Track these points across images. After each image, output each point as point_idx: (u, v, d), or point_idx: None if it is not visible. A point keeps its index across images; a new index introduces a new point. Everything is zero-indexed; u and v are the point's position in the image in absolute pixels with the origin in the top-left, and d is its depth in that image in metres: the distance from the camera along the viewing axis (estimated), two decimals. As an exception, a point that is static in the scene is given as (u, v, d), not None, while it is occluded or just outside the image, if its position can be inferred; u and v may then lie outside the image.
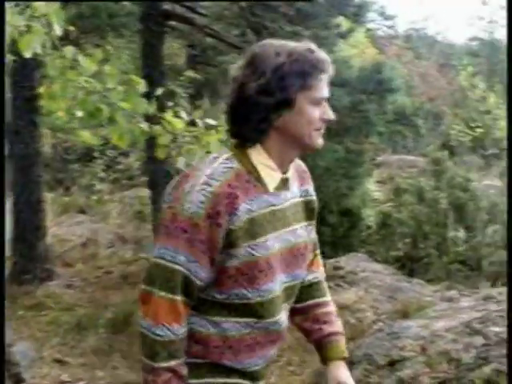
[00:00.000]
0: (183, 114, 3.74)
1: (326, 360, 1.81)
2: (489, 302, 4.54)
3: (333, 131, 5.61)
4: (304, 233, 1.72)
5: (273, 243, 1.59)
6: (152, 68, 7.05)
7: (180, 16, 7.46)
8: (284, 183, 1.63)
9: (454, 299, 5.36)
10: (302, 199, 1.74)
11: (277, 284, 1.61)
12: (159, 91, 3.67)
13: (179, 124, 3.65)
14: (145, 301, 1.54)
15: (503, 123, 14.37)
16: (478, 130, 14.10)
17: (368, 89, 6.47)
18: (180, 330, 1.53)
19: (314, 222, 1.80)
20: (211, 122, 3.71)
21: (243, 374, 1.65)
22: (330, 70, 1.59)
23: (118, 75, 3.54)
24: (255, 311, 1.62)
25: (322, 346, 1.81)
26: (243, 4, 7.04)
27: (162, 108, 3.67)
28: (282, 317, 1.67)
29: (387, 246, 8.40)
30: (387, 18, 27.68)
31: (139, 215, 9.76)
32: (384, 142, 11.91)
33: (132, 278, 7.14)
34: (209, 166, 1.55)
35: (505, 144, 13.72)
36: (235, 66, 1.60)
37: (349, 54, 9.02)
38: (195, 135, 3.71)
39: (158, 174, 6.93)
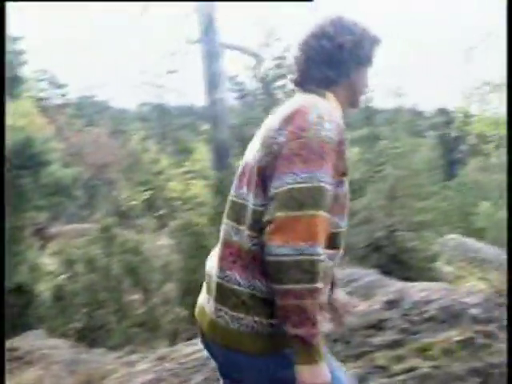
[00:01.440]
0: None
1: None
2: (163, 362, 4.67)
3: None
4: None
5: (346, 183, 1.77)
6: None
7: None
8: None
9: (133, 363, 5.41)
10: None
11: (344, 221, 1.78)
12: None
13: None
14: (292, 223, 1.53)
15: (174, 183, 15.28)
16: (149, 192, 14.74)
17: (21, 163, 6.32)
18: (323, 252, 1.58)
19: None
20: None
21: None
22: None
23: None
24: (337, 242, 1.76)
25: None
26: None
27: None
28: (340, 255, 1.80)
29: (65, 320, 8.17)
30: (59, 86, 27.66)
31: None
32: (51, 213, 11.70)
33: None
34: (319, 103, 1.70)
35: (176, 204, 14.58)
36: (311, 26, 1.85)
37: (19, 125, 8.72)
38: None
39: None
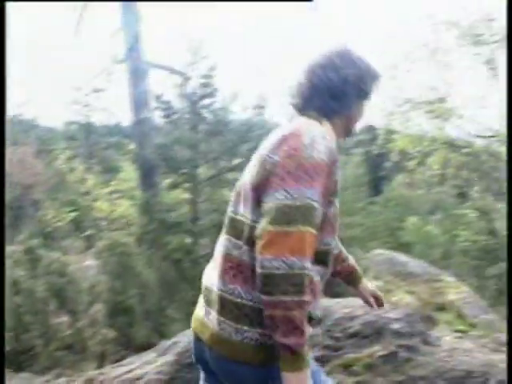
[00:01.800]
0: None
1: (356, 282, 2.36)
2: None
3: None
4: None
5: (335, 205, 1.87)
6: None
7: None
8: None
9: (60, 388, 5.32)
10: None
11: (330, 240, 1.87)
12: None
13: None
14: (282, 237, 1.61)
15: (101, 203, 15.05)
16: (76, 212, 14.48)
17: None
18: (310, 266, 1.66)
19: None
20: None
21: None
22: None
23: None
24: (327, 260, 1.86)
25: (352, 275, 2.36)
26: None
27: None
28: (328, 273, 1.92)
29: (-12, 345, 7.91)
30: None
31: None
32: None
33: None
34: (313, 127, 1.81)
35: (103, 224, 14.37)
36: (318, 56, 1.96)
37: None
38: None
39: None
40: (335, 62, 1.93)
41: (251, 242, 1.77)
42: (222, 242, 1.95)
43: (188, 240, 12.49)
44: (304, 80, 1.96)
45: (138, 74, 14.46)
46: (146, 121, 14.57)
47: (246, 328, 1.78)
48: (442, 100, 11.77)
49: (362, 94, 1.97)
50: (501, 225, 17.52)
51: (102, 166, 19.02)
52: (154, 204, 12.28)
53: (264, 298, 1.66)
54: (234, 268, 1.82)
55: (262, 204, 1.74)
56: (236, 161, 14.30)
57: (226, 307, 1.81)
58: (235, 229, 1.88)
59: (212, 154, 14.13)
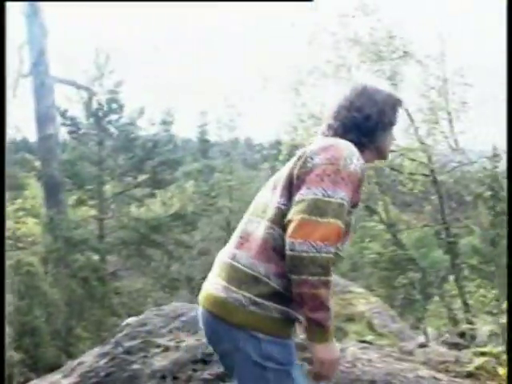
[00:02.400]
0: None
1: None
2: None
3: None
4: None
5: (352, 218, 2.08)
6: None
7: None
8: None
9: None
10: None
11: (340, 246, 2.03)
12: None
13: None
14: (314, 225, 1.83)
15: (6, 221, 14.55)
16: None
17: None
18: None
19: None
20: None
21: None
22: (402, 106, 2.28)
23: None
24: (336, 262, 2.01)
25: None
26: None
27: None
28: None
29: None
30: None
31: None
32: None
33: None
34: (351, 146, 2.04)
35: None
36: (342, 97, 2.20)
37: None
38: None
39: None
40: (355, 102, 2.17)
41: (274, 221, 1.98)
42: (247, 221, 2.14)
43: (95, 257, 12.39)
44: (332, 121, 2.19)
45: (43, 89, 14.20)
46: (52, 137, 14.31)
47: (234, 289, 1.97)
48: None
49: (385, 125, 2.19)
50: (407, 236, 18.33)
51: (6, 182, 18.38)
52: (59, 222, 12.09)
53: (293, 277, 1.85)
54: (260, 246, 1.99)
55: (294, 193, 1.95)
56: (142, 177, 14.31)
57: (248, 281, 1.98)
58: (267, 213, 2.05)
59: (118, 170, 14.09)
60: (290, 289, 1.90)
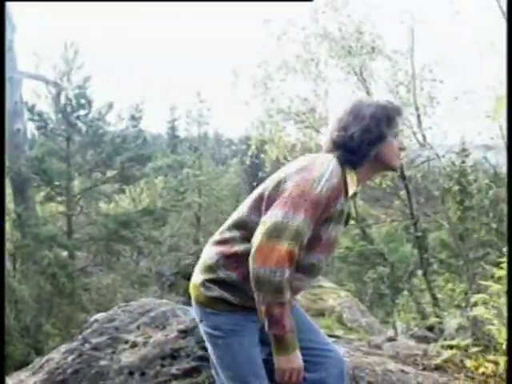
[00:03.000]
0: None
1: None
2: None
3: None
4: (342, 231, 2.39)
5: (330, 231, 2.22)
6: None
7: None
8: (354, 195, 2.33)
9: None
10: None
11: (317, 258, 2.26)
12: None
13: None
14: (270, 251, 2.03)
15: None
16: None
17: None
18: (292, 272, 2.08)
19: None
20: None
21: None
22: (402, 112, 2.34)
23: None
24: (315, 271, 2.31)
25: None
26: None
27: None
28: (309, 281, 2.35)
29: None
30: None
31: None
32: None
33: None
34: (327, 165, 2.17)
35: None
36: (339, 113, 2.29)
37: None
38: None
39: None
40: (341, 122, 2.28)
41: (242, 232, 2.25)
42: (228, 232, 2.34)
43: (63, 254, 12.25)
44: (328, 136, 2.33)
45: (10, 85, 13.97)
46: (19, 132, 14.12)
47: (198, 274, 2.32)
48: (312, 110, 12.25)
49: (376, 138, 2.25)
50: (376, 230, 18.47)
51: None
52: (27, 218, 11.93)
53: (255, 293, 2.10)
54: (224, 251, 2.28)
55: (263, 213, 2.18)
56: (111, 172, 14.18)
57: (200, 263, 2.35)
58: (240, 226, 2.28)
59: (87, 166, 13.94)
60: (238, 281, 2.21)
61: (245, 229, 2.23)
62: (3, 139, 3.61)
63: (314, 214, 2.10)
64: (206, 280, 2.26)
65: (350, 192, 2.26)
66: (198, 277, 2.31)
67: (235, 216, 2.30)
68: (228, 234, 2.28)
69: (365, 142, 2.23)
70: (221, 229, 2.36)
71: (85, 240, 13.30)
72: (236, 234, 2.26)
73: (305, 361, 2.21)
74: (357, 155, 2.25)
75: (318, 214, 2.12)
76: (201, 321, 2.31)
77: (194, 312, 2.38)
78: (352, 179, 2.27)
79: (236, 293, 2.23)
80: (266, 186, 2.24)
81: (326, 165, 2.19)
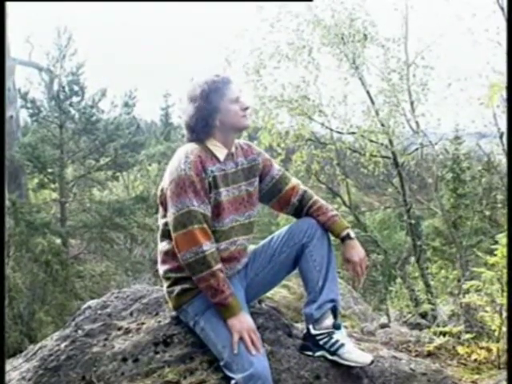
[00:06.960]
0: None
1: (337, 238, 2.93)
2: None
3: None
4: (247, 187, 2.71)
5: (225, 194, 2.59)
6: None
7: None
8: (230, 156, 2.65)
9: None
10: (248, 165, 2.73)
11: (230, 219, 2.62)
12: None
13: None
14: (183, 238, 2.46)
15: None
16: None
17: None
18: (212, 245, 2.49)
19: (256, 178, 2.76)
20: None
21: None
22: (231, 80, 2.59)
23: None
24: (234, 233, 2.64)
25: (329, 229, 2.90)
26: None
27: None
28: (239, 240, 2.69)
29: None
30: None
31: None
32: None
33: None
34: (180, 151, 2.55)
35: None
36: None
37: None
38: None
39: None
40: (186, 105, 2.59)
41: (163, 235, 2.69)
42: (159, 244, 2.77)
43: (57, 241, 12.24)
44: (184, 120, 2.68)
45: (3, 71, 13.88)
46: (12, 119, 14.06)
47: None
48: (305, 97, 12.19)
49: (212, 111, 2.55)
50: (369, 218, 18.47)
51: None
52: (20, 205, 11.91)
53: (192, 278, 2.49)
54: (165, 253, 2.69)
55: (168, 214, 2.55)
56: (105, 159, 14.15)
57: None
58: (164, 235, 2.69)
59: (80, 153, 13.91)
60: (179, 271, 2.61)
61: (168, 235, 2.62)
62: (3, 139, 3.59)
63: (195, 191, 2.46)
64: (167, 287, 2.71)
65: (221, 156, 2.60)
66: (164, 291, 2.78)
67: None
68: (159, 246, 2.74)
69: (200, 118, 2.54)
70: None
71: (78, 227, 13.30)
72: (164, 241, 2.70)
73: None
74: (202, 131, 2.57)
75: (199, 188, 2.47)
76: (188, 322, 2.72)
77: (183, 319, 2.80)
78: (215, 146, 2.60)
79: (185, 279, 2.60)
80: (157, 196, 2.67)
81: (179, 152, 2.57)
